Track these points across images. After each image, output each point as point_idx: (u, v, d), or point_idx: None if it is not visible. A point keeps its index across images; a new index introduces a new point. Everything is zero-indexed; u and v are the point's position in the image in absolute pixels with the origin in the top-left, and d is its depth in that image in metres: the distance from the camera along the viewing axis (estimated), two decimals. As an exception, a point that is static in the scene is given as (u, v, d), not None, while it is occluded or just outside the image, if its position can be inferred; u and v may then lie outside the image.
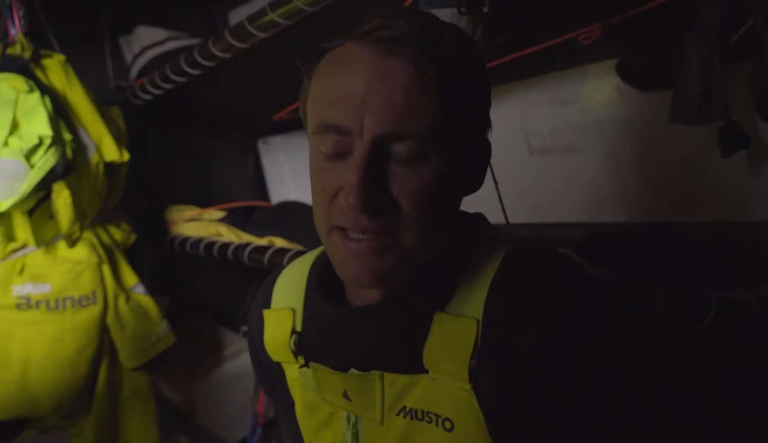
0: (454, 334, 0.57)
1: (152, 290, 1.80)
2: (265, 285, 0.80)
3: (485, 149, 0.64)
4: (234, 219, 1.71)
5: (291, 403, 0.76)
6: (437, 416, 0.58)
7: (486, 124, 0.63)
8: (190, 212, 1.82)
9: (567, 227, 1.31)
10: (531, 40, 1.03)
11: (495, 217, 0.74)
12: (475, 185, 0.64)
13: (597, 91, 1.24)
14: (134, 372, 1.47)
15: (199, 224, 1.73)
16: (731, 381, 0.86)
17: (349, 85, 0.54)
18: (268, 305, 0.76)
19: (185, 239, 1.70)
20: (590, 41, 0.92)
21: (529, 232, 1.13)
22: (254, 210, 1.81)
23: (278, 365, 0.75)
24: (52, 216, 1.32)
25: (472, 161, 0.62)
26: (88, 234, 1.41)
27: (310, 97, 0.60)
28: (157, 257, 1.86)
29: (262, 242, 1.45)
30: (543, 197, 1.38)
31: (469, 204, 0.67)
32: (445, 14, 0.77)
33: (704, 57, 0.79)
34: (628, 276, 0.75)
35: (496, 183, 0.76)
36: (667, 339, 0.80)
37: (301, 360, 0.70)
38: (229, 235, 1.61)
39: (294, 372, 0.73)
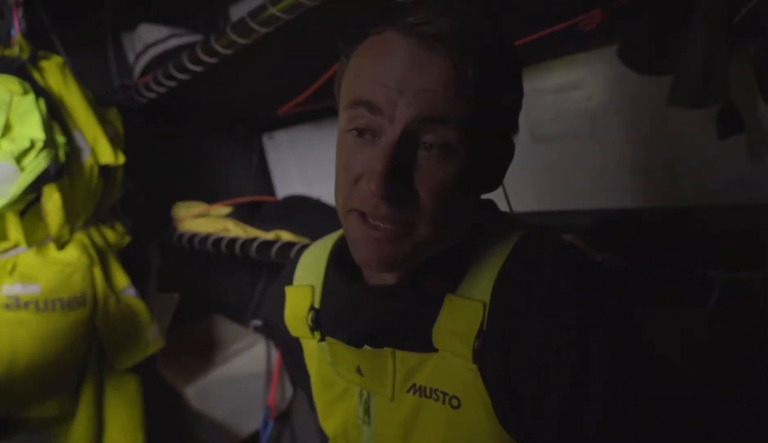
0: (461, 315, 0.58)
1: (161, 287, 1.82)
2: (289, 264, 0.83)
3: (509, 150, 0.66)
4: (241, 214, 1.71)
5: (308, 377, 0.79)
6: (444, 394, 0.60)
7: (514, 126, 0.65)
8: (198, 208, 1.83)
9: (572, 214, 1.31)
10: (530, 27, 1.03)
11: (503, 205, 0.74)
12: (494, 184, 0.66)
13: (599, 77, 1.23)
14: (122, 374, 1.47)
15: (206, 221, 1.74)
16: (737, 363, 0.87)
17: (387, 68, 0.55)
18: (290, 282, 0.80)
19: (193, 236, 1.71)
20: (591, 27, 0.92)
21: (534, 220, 1.14)
22: (261, 205, 1.82)
23: (297, 340, 0.79)
24: (42, 218, 1.32)
25: (496, 161, 0.64)
26: (80, 236, 1.41)
27: (347, 76, 0.61)
28: (165, 255, 1.88)
29: (270, 236, 1.46)
30: (547, 185, 1.38)
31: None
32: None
33: (706, 38, 0.79)
34: (633, 261, 0.75)
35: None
36: (673, 323, 0.81)
37: (317, 336, 0.73)
38: (237, 230, 1.62)
39: (311, 347, 0.76)
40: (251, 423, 1.78)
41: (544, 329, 0.54)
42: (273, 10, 0.98)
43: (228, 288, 2.17)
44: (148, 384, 1.55)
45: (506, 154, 0.65)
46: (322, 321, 0.73)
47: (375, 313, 0.64)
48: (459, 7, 0.57)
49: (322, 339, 0.72)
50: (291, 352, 0.82)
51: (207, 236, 1.64)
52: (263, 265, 2.17)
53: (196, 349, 1.89)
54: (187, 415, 1.74)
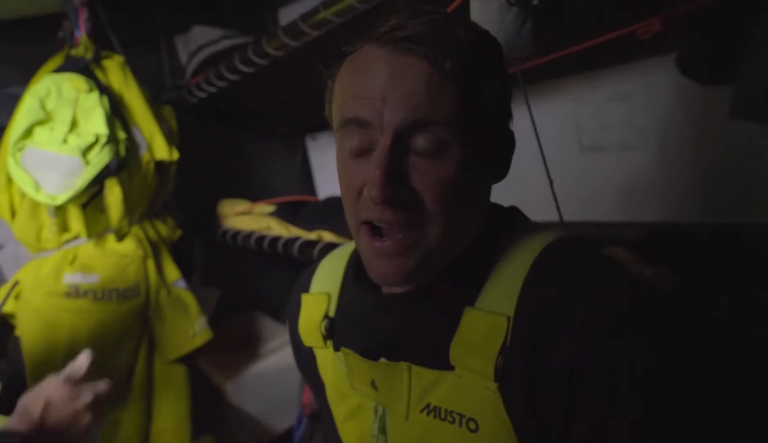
0: (482, 330, 0.56)
1: (203, 282, 1.86)
2: (307, 271, 0.83)
3: (508, 139, 0.65)
4: (283, 213, 1.74)
5: (322, 387, 0.78)
6: (461, 416, 0.57)
7: (507, 114, 0.64)
8: (241, 206, 1.86)
9: (621, 226, 1.27)
10: (584, 34, 1.01)
11: (545, 215, 0.73)
12: (499, 175, 0.64)
13: (654, 87, 1.19)
14: (171, 365, 1.51)
15: (250, 218, 1.77)
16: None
17: (368, 82, 0.56)
18: (307, 290, 0.79)
19: (237, 233, 1.74)
20: (649, 35, 0.89)
21: (581, 230, 1.11)
22: (303, 205, 1.84)
23: (310, 350, 0.77)
24: (103, 210, 1.38)
25: (495, 151, 0.62)
26: (135, 229, 1.46)
27: (335, 98, 0.62)
28: (208, 250, 1.92)
29: (312, 236, 1.47)
30: (594, 195, 1.35)
31: (517, 201, 0.66)
32: (493, 6, 0.76)
33: (773, 49, 0.76)
34: (687, 277, 0.72)
35: (551, 181, 0.75)
36: (731, 344, 0.77)
37: (329, 345, 0.72)
38: (279, 229, 1.64)
39: (324, 357, 0.75)
40: (285, 420, 1.80)
41: (576, 346, 0.50)
42: (326, 14, 0.99)
43: (267, 286, 2.20)
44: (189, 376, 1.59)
45: (506, 142, 0.64)
46: (336, 331, 0.71)
47: (391, 323, 0.63)
48: (428, 8, 0.57)
49: (336, 349, 0.70)
50: (304, 360, 0.81)
51: (250, 234, 1.67)
52: (303, 264, 2.19)
53: (235, 345, 1.93)
54: (223, 409, 1.77)
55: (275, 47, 1.21)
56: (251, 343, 1.94)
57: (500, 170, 0.64)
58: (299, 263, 2.16)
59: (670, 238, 0.96)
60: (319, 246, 1.33)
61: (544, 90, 1.34)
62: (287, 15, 1.92)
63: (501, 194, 0.66)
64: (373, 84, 0.55)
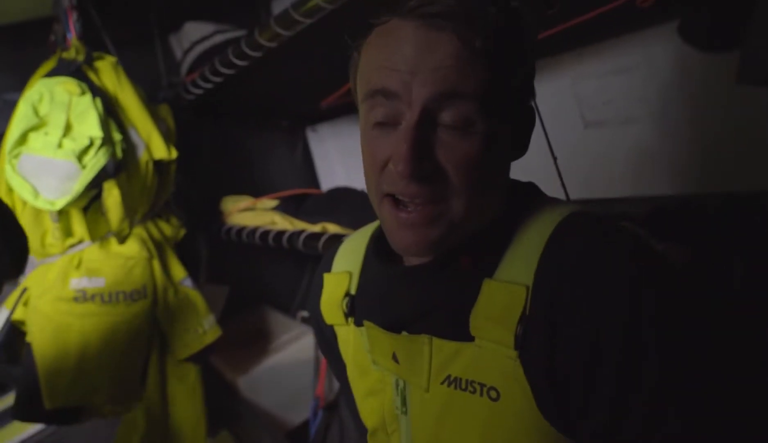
0: (501, 300, 0.56)
1: (211, 279, 1.86)
2: (329, 252, 0.84)
3: (530, 116, 0.65)
4: (287, 207, 1.73)
5: (344, 366, 0.79)
6: (482, 385, 0.58)
7: (531, 91, 0.64)
8: (245, 202, 1.85)
9: (628, 202, 1.25)
10: (583, 6, 0.99)
11: (549, 193, 0.71)
12: (520, 150, 0.65)
13: (656, 57, 1.17)
14: (183, 363, 1.52)
15: (253, 214, 1.77)
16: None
17: (397, 54, 0.56)
18: (329, 270, 0.80)
19: (241, 229, 1.74)
20: (650, 2, 0.86)
21: (589, 207, 1.09)
22: (306, 197, 1.83)
23: (331, 328, 0.79)
24: (104, 213, 1.38)
25: (518, 128, 0.63)
26: (138, 230, 1.46)
27: (360, 70, 0.62)
28: (214, 248, 1.92)
29: (316, 228, 1.47)
30: (600, 171, 1.33)
31: (520, 178, 0.65)
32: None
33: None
34: (699, 250, 0.71)
35: (554, 158, 0.73)
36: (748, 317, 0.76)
37: (351, 322, 0.73)
38: (284, 223, 1.64)
39: (345, 335, 0.76)
40: (300, 413, 1.81)
41: (594, 313, 0.51)
42: (317, 1, 0.97)
43: (274, 280, 2.20)
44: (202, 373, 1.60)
45: (527, 120, 0.65)
46: (357, 307, 0.73)
47: (411, 295, 0.64)
48: None
49: (359, 324, 0.71)
50: (326, 340, 0.83)
51: (255, 229, 1.66)
52: (309, 257, 2.19)
53: (246, 340, 1.93)
54: (238, 405, 1.78)
55: (268, 38, 1.19)
56: (262, 338, 1.94)
57: (522, 146, 0.65)
58: (305, 256, 2.17)
59: (678, 212, 0.95)
60: (323, 238, 1.32)
61: (544, 68, 1.31)
62: (281, 6, 1.90)
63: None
64: (401, 57, 0.55)
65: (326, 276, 0.79)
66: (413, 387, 0.65)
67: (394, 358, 0.65)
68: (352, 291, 0.74)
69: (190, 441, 1.53)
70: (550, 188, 0.69)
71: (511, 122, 0.60)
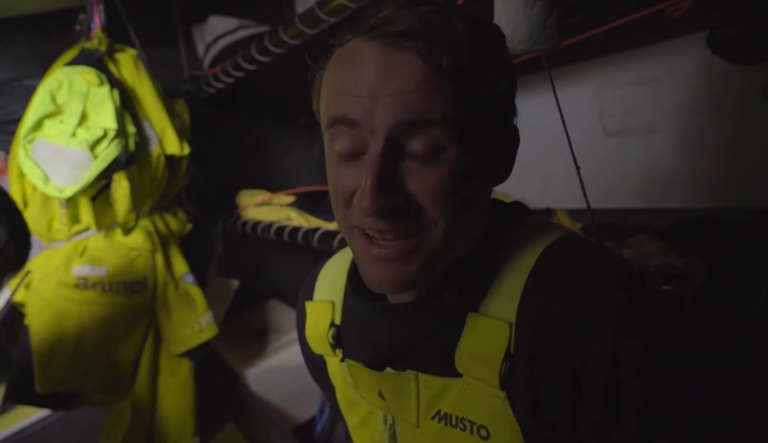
0: (485, 337, 0.53)
1: (223, 272, 1.87)
2: (309, 277, 0.80)
3: (512, 136, 0.60)
4: (303, 204, 1.73)
5: (334, 392, 0.76)
6: (472, 423, 0.56)
7: (510, 110, 0.59)
8: (261, 196, 1.86)
9: (648, 213, 1.24)
10: (610, 14, 0.98)
11: (568, 202, 0.71)
12: (502, 174, 0.60)
13: (681, 68, 1.16)
14: (177, 358, 1.51)
15: (269, 209, 1.77)
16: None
17: (357, 78, 0.51)
18: (311, 297, 0.76)
19: (256, 223, 1.74)
20: (680, 12, 0.85)
21: (606, 218, 1.08)
22: (322, 195, 1.83)
23: (320, 356, 0.76)
24: (112, 204, 1.38)
25: (497, 150, 0.58)
26: (144, 222, 1.46)
27: (322, 95, 0.58)
28: (228, 241, 1.93)
29: (331, 226, 1.47)
30: (620, 182, 1.32)
31: (538, 189, 0.64)
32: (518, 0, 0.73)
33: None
34: (719, 267, 0.69)
35: (578, 168, 0.72)
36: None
37: (339, 354, 0.70)
38: (299, 219, 1.64)
39: (334, 365, 0.73)
40: (308, 410, 1.81)
41: (574, 351, 0.49)
42: (342, 0, 0.97)
43: (287, 275, 2.21)
44: (205, 366, 1.60)
45: (508, 141, 0.60)
46: (343, 339, 0.69)
47: (394, 333, 0.60)
48: (422, 0, 0.53)
49: (343, 359, 0.68)
50: (316, 368, 0.79)
51: (270, 225, 1.67)
52: (321, 254, 2.19)
53: (256, 333, 1.94)
54: (245, 398, 1.79)
55: (292, 36, 1.19)
56: (273, 332, 1.95)
57: (502, 170, 0.60)
58: (319, 254, 2.17)
59: (699, 225, 0.93)
60: (338, 237, 1.32)
61: (566, 75, 1.30)
62: (304, 3, 1.91)
63: (522, 183, 0.64)
64: (362, 81, 0.51)
65: (308, 305, 0.75)
66: (403, 423, 0.62)
67: (381, 395, 0.62)
68: (337, 321, 0.70)
69: (176, 437, 1.52)
70: (570, 198, 0.68)
71: (489, 144, 0.55)
